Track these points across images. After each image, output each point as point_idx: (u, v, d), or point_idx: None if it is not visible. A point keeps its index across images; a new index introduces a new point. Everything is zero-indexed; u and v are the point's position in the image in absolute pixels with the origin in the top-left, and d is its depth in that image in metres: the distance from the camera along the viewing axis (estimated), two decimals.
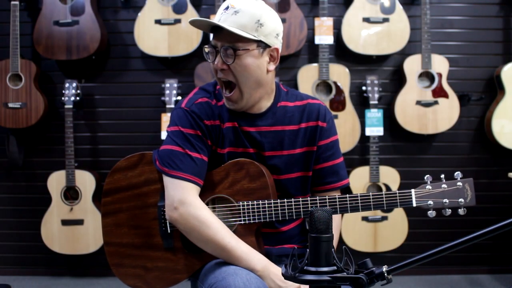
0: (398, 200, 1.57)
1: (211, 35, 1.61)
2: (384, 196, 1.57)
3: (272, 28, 1.56)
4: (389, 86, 3.48)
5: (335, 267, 0.98)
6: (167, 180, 1.59)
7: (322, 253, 0.98)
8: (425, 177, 1.58)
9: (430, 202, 1.57)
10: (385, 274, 0.99)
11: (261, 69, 1.57)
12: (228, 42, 1.53)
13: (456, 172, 1.58)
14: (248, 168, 1.61)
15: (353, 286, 0.98)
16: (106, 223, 1.70)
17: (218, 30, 1.54)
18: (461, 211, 1.57)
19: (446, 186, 1.57)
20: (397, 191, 1.58)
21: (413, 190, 1.57)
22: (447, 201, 1.57)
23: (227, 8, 1.53)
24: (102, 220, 1.71)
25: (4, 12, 3.39)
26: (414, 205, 1.57)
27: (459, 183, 1.56)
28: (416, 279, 3.43)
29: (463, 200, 1.56)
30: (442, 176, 1.58)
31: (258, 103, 1.64)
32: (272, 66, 1.60)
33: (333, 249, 0.99)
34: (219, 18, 1.53)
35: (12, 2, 3.25)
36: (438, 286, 3.36)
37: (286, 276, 1.01)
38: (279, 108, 1.67)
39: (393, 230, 3.31)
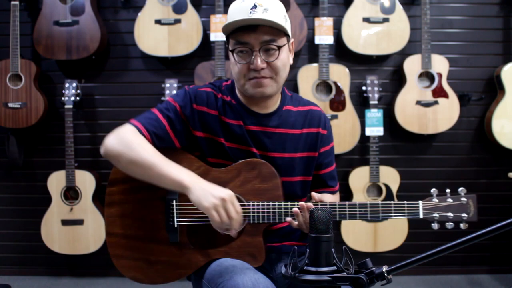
0: (406, 211, 1.59)
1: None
2: (392, 205, 1.59)
3: (289, 22, 1.61)
4: (389, 86, 3.48)
5: (335, 267, 0.99)
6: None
7: (322, 253, 0.98)
8: (431, 191, 1.61)
9: (436, 214, 1.61)
10: (385, 274, 1.00)
11: (289, 63, 1.62)
12: (267, 38, 1.52)
13: (460, 188, 1.62)
14: (260, 169, 1.60)
15: (353, 286, 0.98)
16: (110, 213, 1.66)
17: (249, 29, 1.51)
18: (462, 226, 1.61)
19: (451, 201, 1.61)
20: (405, 202, 1.60)
21: (420, 202, 1.60)
22: (452, 215, 1.61)
23: (254, 7, 1.50)
24: (106, 210, 1.67)
25: (4, 12, 3.39)
26: (421, 216, 1.60)
27: (464, 199, 1.61)
28: (416, 279, 3.43)
29: (466, 215, 1.61)
30: (448, 190, 1.61)
31: (267, 102, 1.65)
32: (291, 60, 1.64)
33: (333, 249, 0.99)
34: (249, 16, 1.49)
35: (12, 2, 3.25)
36: (438, 286, 3.36)
37: (286, 276, 1.00)
38: (284, 111, 1.69)
39: (393, 230, 3.31)
